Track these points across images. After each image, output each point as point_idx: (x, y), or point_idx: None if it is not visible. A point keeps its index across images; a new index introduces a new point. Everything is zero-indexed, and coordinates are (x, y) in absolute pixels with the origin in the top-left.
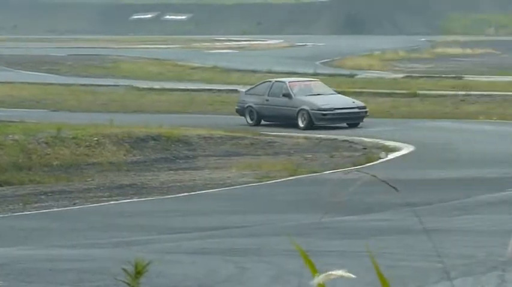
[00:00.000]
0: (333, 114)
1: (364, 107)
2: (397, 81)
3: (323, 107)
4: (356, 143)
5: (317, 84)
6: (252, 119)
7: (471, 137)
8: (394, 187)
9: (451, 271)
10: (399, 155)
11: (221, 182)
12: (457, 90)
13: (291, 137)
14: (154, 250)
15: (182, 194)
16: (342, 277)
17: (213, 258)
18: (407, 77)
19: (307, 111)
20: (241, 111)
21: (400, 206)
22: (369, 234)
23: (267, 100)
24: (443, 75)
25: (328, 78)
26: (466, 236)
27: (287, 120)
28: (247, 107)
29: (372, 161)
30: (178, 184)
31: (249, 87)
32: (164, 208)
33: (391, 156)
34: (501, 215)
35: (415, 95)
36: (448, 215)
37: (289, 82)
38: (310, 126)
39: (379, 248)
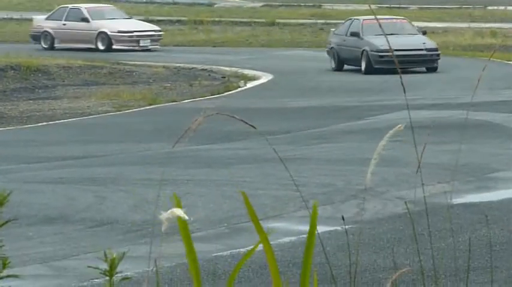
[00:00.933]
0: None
1: (435, 49)
2: (256, 10)
3: (381, 47)
4: (215, 72)
5: (398, 24)
6: (334, 63)
7: (330, 66)
8: (252, 126)
9: (310, 200)
10: (258, 83)
11: (80, 112)
12: (316, 19)
13: (150, 66)
14: (13, 179)
15: (41, 124)
16: (180, 216)
17: (72, 187)
18: (266, 5)
19: (367, 52)
20: (328, 53)
21: (258, 135)
22: (228, 163)
23: (345, 41)
24: (302, 4)
25: (187, 8)
26: (324, 164)
27: (357, 64)
28: (331, 48)
29: (231, 90)
30: (38, 114)
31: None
32: (23, 137)
33: (250, 85)
34: (360, 143)
35: (273, 23)
36: (307, 143)
37: (363, 20)
38: (370, 69)
39: (238, 177)
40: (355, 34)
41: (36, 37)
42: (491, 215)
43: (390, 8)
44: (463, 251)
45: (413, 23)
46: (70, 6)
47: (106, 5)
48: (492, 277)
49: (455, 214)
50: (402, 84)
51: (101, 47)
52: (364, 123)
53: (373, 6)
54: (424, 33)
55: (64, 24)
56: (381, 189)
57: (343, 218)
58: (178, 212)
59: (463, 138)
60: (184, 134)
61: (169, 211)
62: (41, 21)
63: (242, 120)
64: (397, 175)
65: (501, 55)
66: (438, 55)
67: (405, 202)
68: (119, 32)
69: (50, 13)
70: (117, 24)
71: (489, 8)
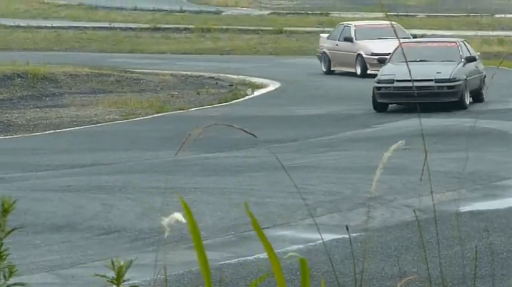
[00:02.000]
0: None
1: (447, 80)
2: (264, 18)
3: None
4: (222, 80)
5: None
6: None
7: (337, 74)
8: (252, 134)
9: (318, 208)
10: (265, 91)
11: (87, 120)
12: (324, 27)
13: (157, 74)
14: (20, 187)
15: (48, 132)
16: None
17: (80, 195)
18: (273, 13)
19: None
20: (319, 58)
21: (267, 143)
22: (236, 171)
23: (337, 45)
24: (310, 12)
25: (194, 16)
26: (332, 173)
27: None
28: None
29: (238, 98)
30: (45, 122)
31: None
32: (30, 145)
33: (257, 93)
34: (367, 151)
35: (281, 31)
36: (314, 151)
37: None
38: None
39: (246, 185)
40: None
41: (319, 58)
42: (498, 223)
43: (398, 15)
44: (470, 259)
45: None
46: (345, 23)
47: (381, 22)
48: (498, 285)
49: (463, 222)
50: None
51: (358, 71)
52: (372, 131)
53: (380, 15)
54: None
55: (337, 45)
56: (388, 197)
57: (347, 228)
58: (177, 216)
59: (471, 146)
60: (183, 143)
61: (169, 217)
62: (323, 40)
63: (241, 129)
64: (405, 183)
65: (509, 63)
66: (452, 87)
67: (414, 210)
68: (372, 54)
69: (330, 31)
70: (376, 44)
71: (496, 16)
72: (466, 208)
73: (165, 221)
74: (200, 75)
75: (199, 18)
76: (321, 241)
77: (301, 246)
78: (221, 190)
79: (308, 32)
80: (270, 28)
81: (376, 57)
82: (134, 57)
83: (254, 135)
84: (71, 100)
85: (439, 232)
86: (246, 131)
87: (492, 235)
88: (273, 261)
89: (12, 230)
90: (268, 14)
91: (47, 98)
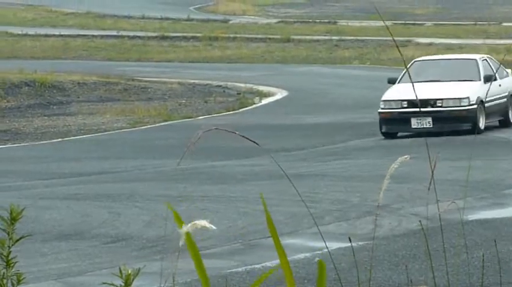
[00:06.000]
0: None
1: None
2: (271, 26)
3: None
4: (230, 89)
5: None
6: None
7: (345, 82)
8: (254, 142)
9: (325, 216)
10: (273, 100)
11: (95, 128)
12: (331, 35)
13: (165, 82)
14: (28, 195)
15: (56, 140)
16: (204, 227)
17: (87, 203)
18: (281, 22)
19: None
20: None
21: (274, 152)
22: (243, 179)
23: None
24: (317, 21)
25: (202, 24)
26: (339, 181)
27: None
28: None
29: (246, 106)
30: (52, 130)
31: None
32: (38, 153)
33: (265, 101)
34: (375, 159)
35: (288, 40)
36: (322, 160)
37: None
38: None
39: (254, 193)
40: None
41: None
42: (506, 232)
43: (405, 24)
44: (477, 267)
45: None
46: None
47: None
48: None
49: (470, 230)
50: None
51: None
52: (379, 140)
53: (388, 23)
54: None
55: None
56: (396, 205)
57: (350, 239)
58: (202, 223)
59: (479, 154)
60: (186, 151)
61: (190, 224)
62: None
63: (244, 137)
64: (412, 192)
65: None
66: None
67: (419, 221)
68: None
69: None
70: None
71: (504, 24)
72: (473, 216)
73: (186, 227)
74: (207, 84)
75: (207, 26)
76: (327, 250)
77: (308, 254)
78: (228, 198)
79: (316, 41)
80: (278, 36)
81: None
82: (142, 65)
83: (256, 143)
84: (78, 108)
85: (446, 240)
86: (248, 139)
87: (499, 243)
88: (285, 268)
89: (21, 238)
90: (275, 23)
91: (55, 107)
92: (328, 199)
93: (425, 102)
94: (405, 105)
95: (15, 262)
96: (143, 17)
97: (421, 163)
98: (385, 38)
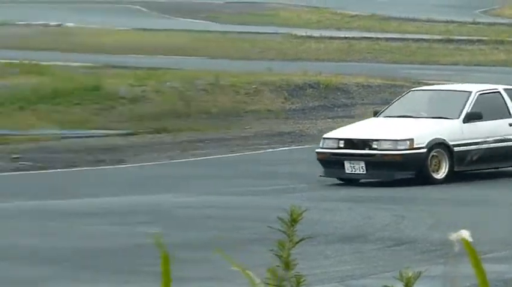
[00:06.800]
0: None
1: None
2: None
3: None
4: None
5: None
6: None
7: None
8: None
9: None
10: None
11: None
12: None
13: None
14: (310, 197)
15: None
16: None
17: (369, 206)
18: None
19: None
20: None
21: None
22: None
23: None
24: None
25: (488, 28)
26: None
27: None
28: None
29: None
30: None
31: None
32: None
33: None
34: None
35: None
36: None
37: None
38: None
39: None
40: None
41: None
42: None
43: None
44: None
45: None
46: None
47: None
48: None
49: None
50: None
51: None
52: None
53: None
54: None
55: None
56: None
57: None
58: (464, 234)
59: None
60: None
61: (456, 233)
62: None
63: None
64: None
65: None
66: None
67: None
68: None
69: None
70: None
71: None
72: None
73: (453, 236)
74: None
75: (493, 29)
76: None
77: None
78: (510, 202)
79: None
80: None
81: None
82: (427, 68)
83: None
84: (363, 111)
85: None
86: None
87: None
88: None
89: (301, 240)
90: None
91: (339, 109)
92: None
93: (362, 143)
94: (341, 146)
95: (296, 264)
96: (428, 20)
97: None
98: None
